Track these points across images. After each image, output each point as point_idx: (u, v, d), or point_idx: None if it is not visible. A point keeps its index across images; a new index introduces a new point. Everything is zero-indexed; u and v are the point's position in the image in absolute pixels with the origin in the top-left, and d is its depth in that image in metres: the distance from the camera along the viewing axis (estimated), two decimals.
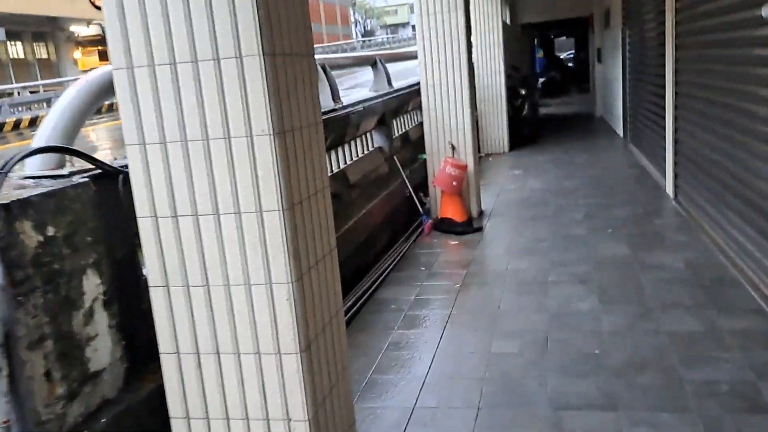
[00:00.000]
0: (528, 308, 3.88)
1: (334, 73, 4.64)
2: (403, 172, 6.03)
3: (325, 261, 2.10)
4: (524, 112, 11.12)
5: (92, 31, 28.84)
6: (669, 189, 6.27)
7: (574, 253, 4.80)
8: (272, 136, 1.77)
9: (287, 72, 1.86)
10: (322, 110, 3.06)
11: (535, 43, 23.21)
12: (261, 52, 1.74)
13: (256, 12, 1.72)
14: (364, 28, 54.72)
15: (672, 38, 5.81)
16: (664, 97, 6.30)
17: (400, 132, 6.76)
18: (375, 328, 3.76)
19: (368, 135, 5.80)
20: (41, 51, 30.69)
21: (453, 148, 6.21)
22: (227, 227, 1.85)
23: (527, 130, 10.95)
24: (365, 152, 5.57)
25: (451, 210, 6.13)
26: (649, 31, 7.31)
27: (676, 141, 6.02)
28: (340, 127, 4.71)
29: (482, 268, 4.78)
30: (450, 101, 6.12)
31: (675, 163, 6.05)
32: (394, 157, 6.03)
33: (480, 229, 5.85)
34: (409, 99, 6.77)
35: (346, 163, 5.05)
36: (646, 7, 7.42)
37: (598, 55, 13.99)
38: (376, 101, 5.54)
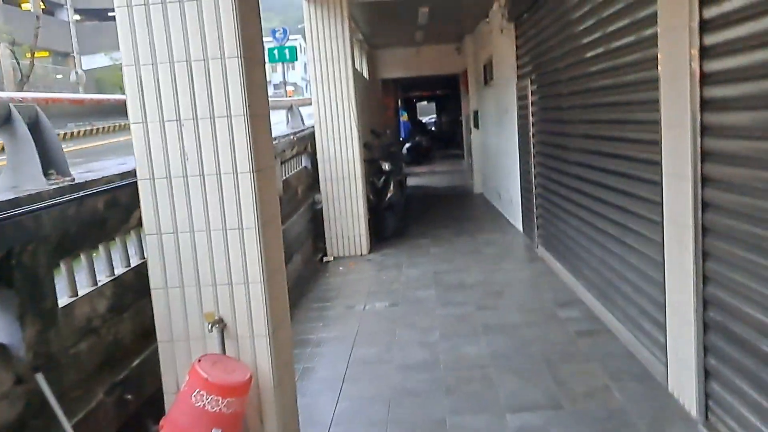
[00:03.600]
0: None
1: None
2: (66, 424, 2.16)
3: None
4: (389, 195, 7.81)
5: None
6: (678, 393, 3.06)
7: None
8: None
9: None
10: None
11: (399, 104, 20.73)
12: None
13: None
14: None
15: (697, 82, 2.72)
16: (660, 203, 3.18)
17: (103, 282, 2.89)
18: None
19: None
20: None
21: (222, 324, 2.51)
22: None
23: (394, 223, 7.64)
24: None
25: None
26: (603, 78, 4.30)
27: (705, 302, 2.84)
28: None
29: None
30: (214, 213, 2.47)
31: (705, 349, 2.85)
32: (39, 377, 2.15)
33: None
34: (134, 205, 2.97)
35: None
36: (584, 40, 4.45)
37: (475, 118, 11.30)
38: None
